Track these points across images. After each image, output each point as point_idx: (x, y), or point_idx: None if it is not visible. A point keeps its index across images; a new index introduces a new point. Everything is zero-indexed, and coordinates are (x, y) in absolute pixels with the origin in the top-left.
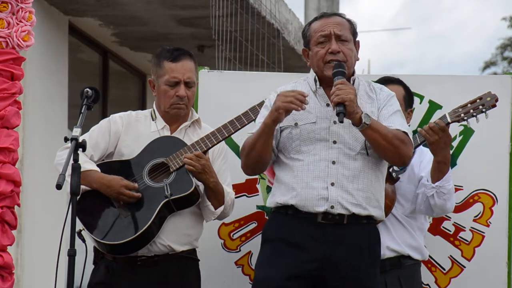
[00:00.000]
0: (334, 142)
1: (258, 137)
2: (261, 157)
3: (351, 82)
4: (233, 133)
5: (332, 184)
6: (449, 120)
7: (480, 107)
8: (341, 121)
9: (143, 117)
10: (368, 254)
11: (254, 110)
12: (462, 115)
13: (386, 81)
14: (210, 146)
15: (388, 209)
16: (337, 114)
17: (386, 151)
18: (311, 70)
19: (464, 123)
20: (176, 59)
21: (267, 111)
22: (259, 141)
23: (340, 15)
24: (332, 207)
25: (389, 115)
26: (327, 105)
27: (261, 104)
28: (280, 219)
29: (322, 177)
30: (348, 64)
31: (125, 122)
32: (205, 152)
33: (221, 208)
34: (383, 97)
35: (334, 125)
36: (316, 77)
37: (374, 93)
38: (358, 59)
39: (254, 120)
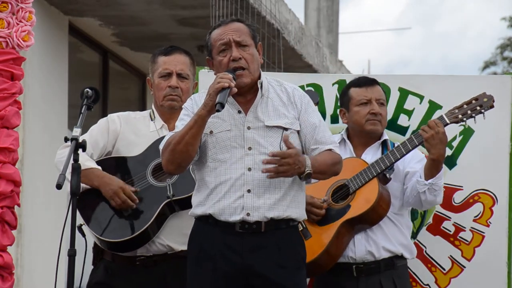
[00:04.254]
0: (249, 148)
1: (188, 129)
2: (188, 150)
3: (259, 86)
4: None
5: (249, 191)
6: (447, 121)
7: (478, 108)
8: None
9: (141, 118)
10: (291, 259)
11: None
12: (460, 116)
13: (371, 81)
14: None
15: (385, 212)
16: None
17: (326, 178)
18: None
19: (463, 123)
20: (169, 53)
21: (187, 112)
22: (190, 133)
23: (238, 20)
24: (248, 214)
25: (315, 127)
26: (239, 112)
27: None
28: (201, 229)
29: (239, 185)
30: (251, 69)
31: (123, 121)
32: None
33: None
34: (298, 100)
35: (248, 131)
36: None
37: (287, 94)
38: (262, 62)
39: None
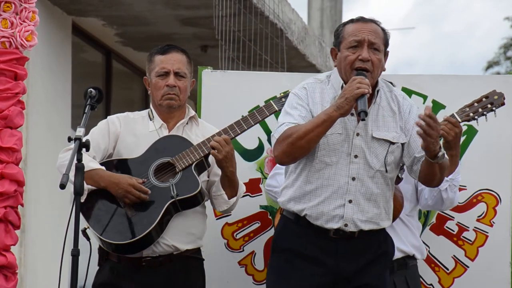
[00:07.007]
0: (356, 156)
1: (315, 127)
2: (309, 147)
3: (375, 93)
4: (239, 134)
5: (350, 201)
6: (459, 119)
7: (489, 105)
8: (363, 119)
9: (140, 118)
10: (381, 260)
11: (261, 112)
12: (472, 114)
13: None
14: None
15: (398, 213)
16: (359, 113)
17: (436, 181)
18: (336, 72)
19: (473, 122)
20: (166, 51)
21: (301, 103)
22: (315, 131)
23: (376, 22)
24: (346, 225)
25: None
26: (351, 114)
27: (268, 106)
28: (292, 228)
29: (341, 193)
30: (374, 74)
31: (122, 122)
32: (208, 154)
33: (234, 199)
34: (406, 109)
35: (357, 138)
36: (343, 84)
37: (397, 104)
38: (384, 70)
39: (261, 121)
